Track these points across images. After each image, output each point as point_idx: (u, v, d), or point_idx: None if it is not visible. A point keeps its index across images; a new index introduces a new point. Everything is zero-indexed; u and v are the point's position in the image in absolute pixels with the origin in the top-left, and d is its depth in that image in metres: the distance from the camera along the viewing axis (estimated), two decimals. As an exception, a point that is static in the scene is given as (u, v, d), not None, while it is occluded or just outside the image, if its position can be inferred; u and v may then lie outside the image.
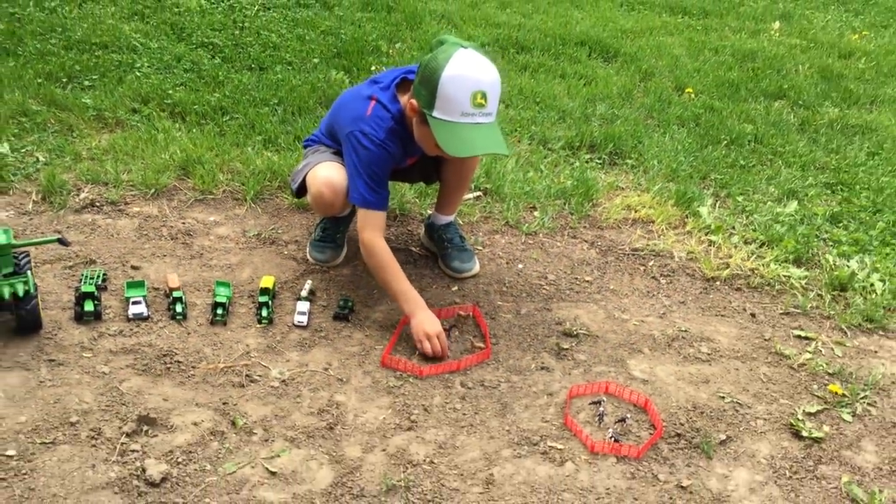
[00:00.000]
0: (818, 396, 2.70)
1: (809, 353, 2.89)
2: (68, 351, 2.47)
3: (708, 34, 6.46)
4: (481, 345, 2.73)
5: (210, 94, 4.15)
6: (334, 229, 3.11)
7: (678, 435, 2.46)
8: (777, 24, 6.94)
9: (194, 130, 3.81)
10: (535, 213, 3.58)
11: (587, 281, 3.19)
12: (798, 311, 3.14)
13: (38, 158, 3.44)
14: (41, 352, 2.45)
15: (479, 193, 3.68)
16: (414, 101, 2.61)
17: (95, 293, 2.63)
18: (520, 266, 3.22)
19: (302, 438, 2.27)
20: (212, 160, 3.54)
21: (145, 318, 2.65)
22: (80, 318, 2.58)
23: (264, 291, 2.79)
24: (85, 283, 2.74)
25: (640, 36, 6.23)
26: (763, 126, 4.75)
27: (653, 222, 3.62)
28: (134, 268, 2.91)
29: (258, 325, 2.70)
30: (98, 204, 3.23)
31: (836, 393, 2.69)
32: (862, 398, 2.70)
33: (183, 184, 3.43)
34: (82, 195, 3.26)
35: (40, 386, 2.33)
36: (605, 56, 5.68)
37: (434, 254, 3.20)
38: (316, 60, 4.79)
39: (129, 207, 3.25)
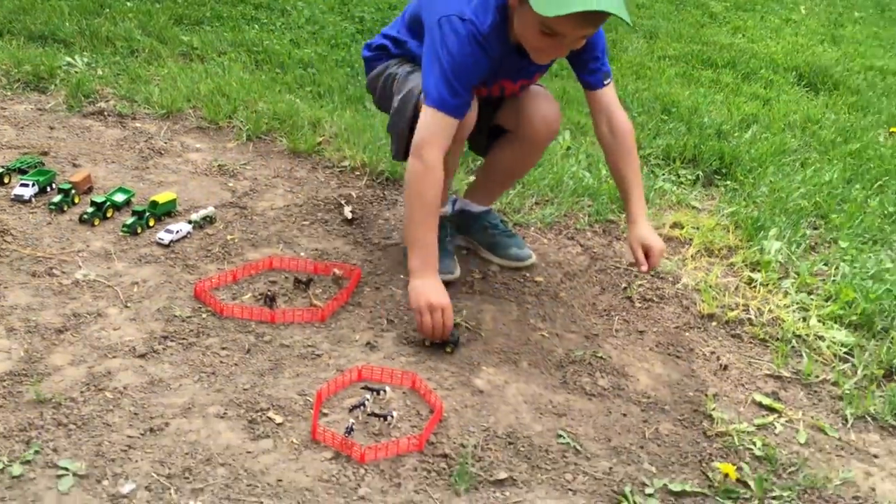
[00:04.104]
0: (702, 473, 1.80)
1: (751, 425, 1.97)
2: (-73, 209, 2.49)
3: None
4: (320, 304, 2.26)
5: (304, 48, 4.09)
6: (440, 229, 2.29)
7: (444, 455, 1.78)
8: None
9: (263, 78, 3.76)
10: (544, 210, 2.94)
11: (536, 281, 2.52)
12: (797, 377, 2.17)
13: (98, 73, 3.62)
14: None
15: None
16: None
17: (-3, 172, 2.66)
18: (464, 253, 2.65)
19: None
20: (240, 97, 3.45)
21: (25, 201, 2.59)
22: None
23: (152, 204, 2.59)
24: (13, 163, 2.78)
25: (888, 74, 5.03)
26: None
27: (690, 243, 2.79)
28: (75, 165, 2.89)
29: (119, 233, 2.51)
30: (106, 113, 3.29)
31: (727, 475, 1.77)
32: (773, 498, 1.75)
33: (196, 112, 3.37)
34: (99, 104, 3.34)
35: None
36: (815, 86, 4.64)
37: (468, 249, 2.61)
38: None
39: (130, 122, 3.26)
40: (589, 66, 2.24)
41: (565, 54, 2.10)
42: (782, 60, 4.91)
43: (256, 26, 4.38)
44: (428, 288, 2.09)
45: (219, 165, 2.99)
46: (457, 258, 2.47)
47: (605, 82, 2.26)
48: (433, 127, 2.06)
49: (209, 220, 2.63)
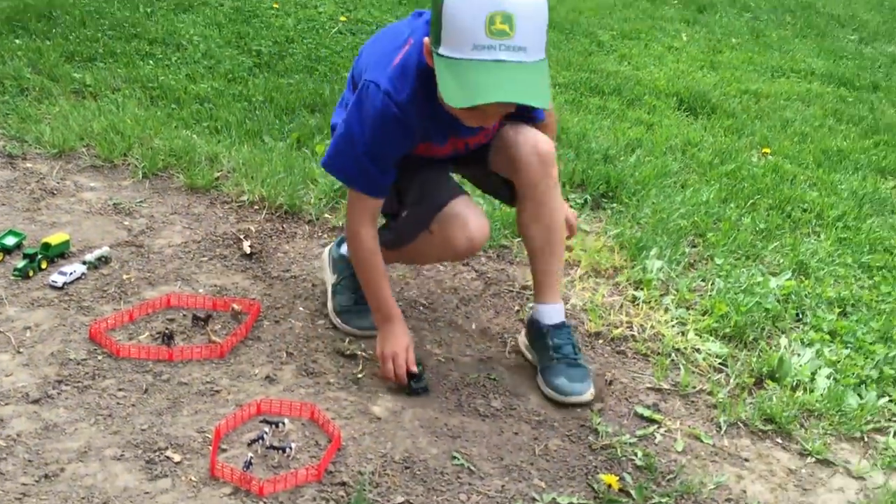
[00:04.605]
0: (588, 485, 1.92)
1: (633, 436, 2.10)
2: None
3: (856, 106, 5.39)
4: (219, 340, 2.29)
5: (201, 83, 4.11)
6: None
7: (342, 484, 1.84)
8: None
9: (158, 114, 3.75)
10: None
11: (432, 308, 2.61)
12: (675, 388, 2.32)
13: (-15, 113, 3.56)
14: None
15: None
16: (428, 40, 1.94)
17: None
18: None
19: None
20: (135, 134, 3.44)
21: (-90, 249, 2.54)
22: None
23: (44, 246, 2.57)
24: None
25: (762, 97, 5.36)
26: (837, 199, 3.77)
27: (578, 265, 2.93)
28: (-38, 210, 2.85)
29: (10, 277, 2.48)
30: (-6, 155, 3.25)
31: (610, 486, 1.89)
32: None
33: (90, 151, 3.34)
34: (-14, 145, 3.29)
35: None
36: (694, 110, 4.91)
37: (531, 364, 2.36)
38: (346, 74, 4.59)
39: (21, 163, 3.21)
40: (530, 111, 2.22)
41: (494, 122, 2.09)
42: (664, 86, 5.17)
43: (151, 62, 4.36)
44: (385, 336, 2.22)
45: (114, 204, 2.98)
46: None
47: (547, 108, 2.16)
48: (352, 200, 2.18)
49: (104, 261, 2.62)
